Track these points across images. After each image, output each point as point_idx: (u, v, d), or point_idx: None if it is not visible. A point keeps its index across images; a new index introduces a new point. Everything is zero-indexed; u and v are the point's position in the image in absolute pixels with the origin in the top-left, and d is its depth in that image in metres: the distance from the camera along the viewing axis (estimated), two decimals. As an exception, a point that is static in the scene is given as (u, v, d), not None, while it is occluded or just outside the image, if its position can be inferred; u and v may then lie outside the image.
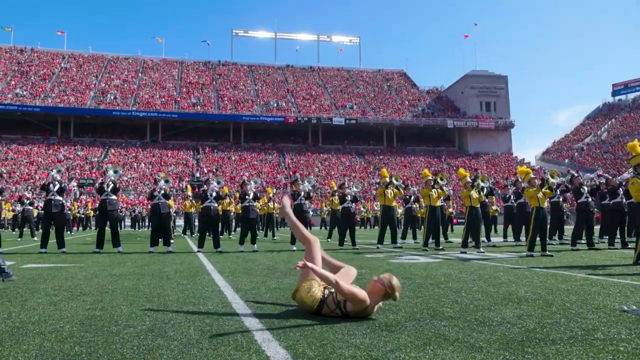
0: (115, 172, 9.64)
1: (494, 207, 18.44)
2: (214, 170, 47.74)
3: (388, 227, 11.08)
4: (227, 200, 13.31)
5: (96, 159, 47.95)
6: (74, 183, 35.48)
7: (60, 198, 9.48)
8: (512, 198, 13.13)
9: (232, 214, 17.15)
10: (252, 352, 2.46)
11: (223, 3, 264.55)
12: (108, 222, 9.58)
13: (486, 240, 12.11)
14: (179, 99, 59.02)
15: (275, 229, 16.68)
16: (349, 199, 10.91)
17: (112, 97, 55.99)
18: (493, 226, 16.99)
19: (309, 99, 65.35)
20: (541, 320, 3.20)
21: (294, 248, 10.26)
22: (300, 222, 10.11)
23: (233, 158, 53.46)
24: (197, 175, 45.79)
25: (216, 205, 9.88)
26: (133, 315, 3.38)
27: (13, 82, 55.09)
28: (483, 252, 9.34)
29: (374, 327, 3.01)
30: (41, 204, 14.08)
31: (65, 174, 36.49)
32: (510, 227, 13.88)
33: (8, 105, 49.66)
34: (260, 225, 17.61)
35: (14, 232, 21.04)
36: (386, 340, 2.67)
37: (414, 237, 13.48)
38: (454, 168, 52.02)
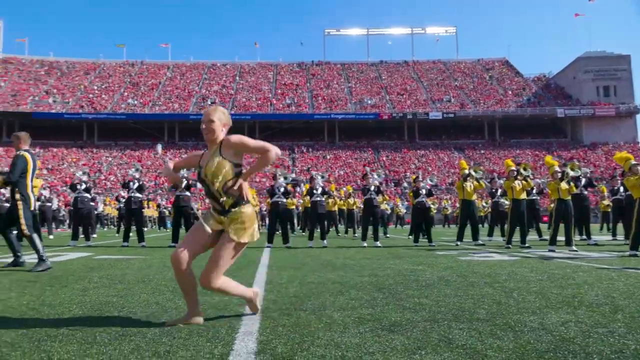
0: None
1: (605, 202, 16.51)
2: (307, 169, 48.61)
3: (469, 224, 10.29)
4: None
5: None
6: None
7: (140, 195, 10.09)
8: (621, 190, 11.60)
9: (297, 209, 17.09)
10: (221, 344, 2.28)
11: (315, 4, 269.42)
12: (182, 218, 10.00)
13: (586, 238, 10.77)
14: (274, 101, 61.06)
15: (355, 226, 16.39)
16: (423, 192, 10.30)
17: (211, 102, 59.51)
18: (606, 223, 15.18)
19: (403, 94, 64.02)
20: (590, 329, 2.62)
21: (365, 244, 9.93)
22: (371, 218, 9.84)
23: (328, 157, 54.05)
24: (293, 175, 46.93)
25: (284, 200, 9.88)
26: (142, 302, 3.36)
27: (126, 93, 60.85)
28: (576, 251, 8.27)
29: (377, 326, 2.67)
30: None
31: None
32: (620, 223, 12.24)
33: (122, 115, 55.01)
34: (341, 221, 17.50)
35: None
36: (377, 342, 2.34)
37: (502, 234, 12.42)
38: (567, 161, 47.70)
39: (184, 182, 9.99)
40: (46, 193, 13.71)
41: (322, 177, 10.55)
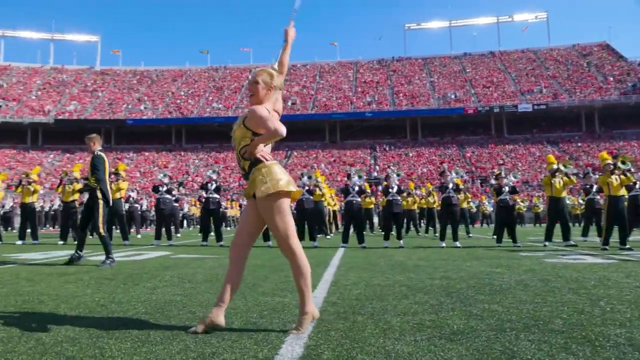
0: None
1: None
2: (388, 166, 48.00)
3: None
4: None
5: (282, 161, 52.62)
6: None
7: (217, 196, 10.47)
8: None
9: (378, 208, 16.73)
10: (267, 348, 2.26)
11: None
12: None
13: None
14: (354, 99, 60.99)
15: (435, 225, 15.82)
16: (506, 190, 9.66)
17: (292, 103, 60.71)
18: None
19: (489, 87, 61.03)
20: (689, 346, 2.26)
21: (443, 244, 9.54)
22: (449, 217, 9.43)
23: (410, 154, 52.98)
24: (375, 174, 46.66)
25: (359, 199, 9.76)
26: (204, 302, 3.45)
27: (210, 98, 63.84)
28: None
29: (436, 334, 2.50)
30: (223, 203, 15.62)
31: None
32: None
33: (207, 118, 57.83)
34: (421, 222, 17.02)
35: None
36: (431, 351, 2.19)
37: (599, 234, 11.34)
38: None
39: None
40: (134, 195, 14.64)
41: (398, 175, 10.28)
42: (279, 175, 2.67)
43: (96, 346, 2.27)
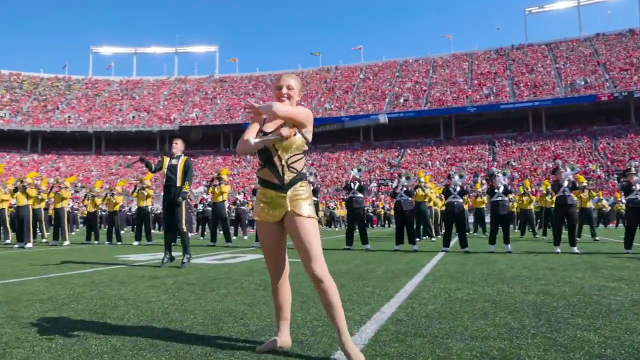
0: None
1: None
2: (507, 163, 44.84)
3: None
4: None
5: (394, 160, 51.84)
6: (374, 184, 39.22)
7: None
8: None
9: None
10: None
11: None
12: (356, 221, 10.01)
13: None
14: (470, 93, 57.98)
15: (540, 227, 14.27)
16: (637, 188, 8.26)
17: (404, 100, 59.50)
18: None
19: (628, 70, 54.01)
20: None
21: (558, 250, 8.52)
22: (567, 219, 8.39)
23: (534, 148, 48.98)
24: (495, 169, 43.93)
25: (461, 200, 9.10)
26: (263, 314, 3.38)
27: (322, 99, 65.00)
28: None
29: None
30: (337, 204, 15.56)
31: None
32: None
33: (320, 119, 58.83)
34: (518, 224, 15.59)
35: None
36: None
37: None
38: None
39: (356, 184, 10.04)
40: (240, 197, 15.26)
41: (504, 174, 9.43)
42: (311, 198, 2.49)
43: (129, 359, 2.30)
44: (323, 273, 2.29)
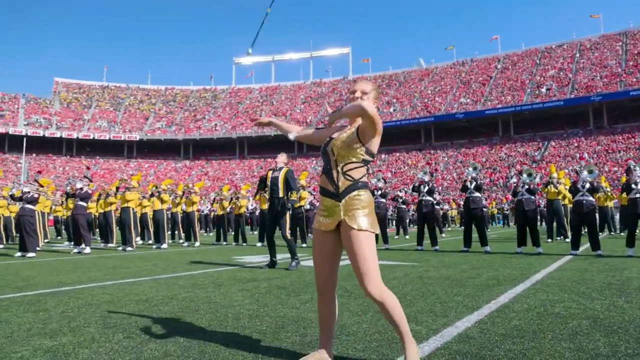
0: (591, 172, 8.85)
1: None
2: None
3: None
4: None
5: (536, 154, 47.99)
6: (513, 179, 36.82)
7: (430, 198, 10.30)
8: None
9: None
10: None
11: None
12: (473, 222, 9.75)
13: None
14: (624, 76, 51.12)
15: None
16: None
17: (546, 89, 54.60)
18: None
19: None
20: None
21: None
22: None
23: None
24: (632, 162, 38.40)
25: (590, 198, 8.44)
26: (315, 322, 3.36)
27: (458, 93, 62.52)
28: None
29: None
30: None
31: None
32: None
33: (457, 114, 56.70)
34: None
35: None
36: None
37: None
38: None
39: (473, 183, 9.79)
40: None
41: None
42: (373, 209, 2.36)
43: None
44: (375, 290, 2.20)
